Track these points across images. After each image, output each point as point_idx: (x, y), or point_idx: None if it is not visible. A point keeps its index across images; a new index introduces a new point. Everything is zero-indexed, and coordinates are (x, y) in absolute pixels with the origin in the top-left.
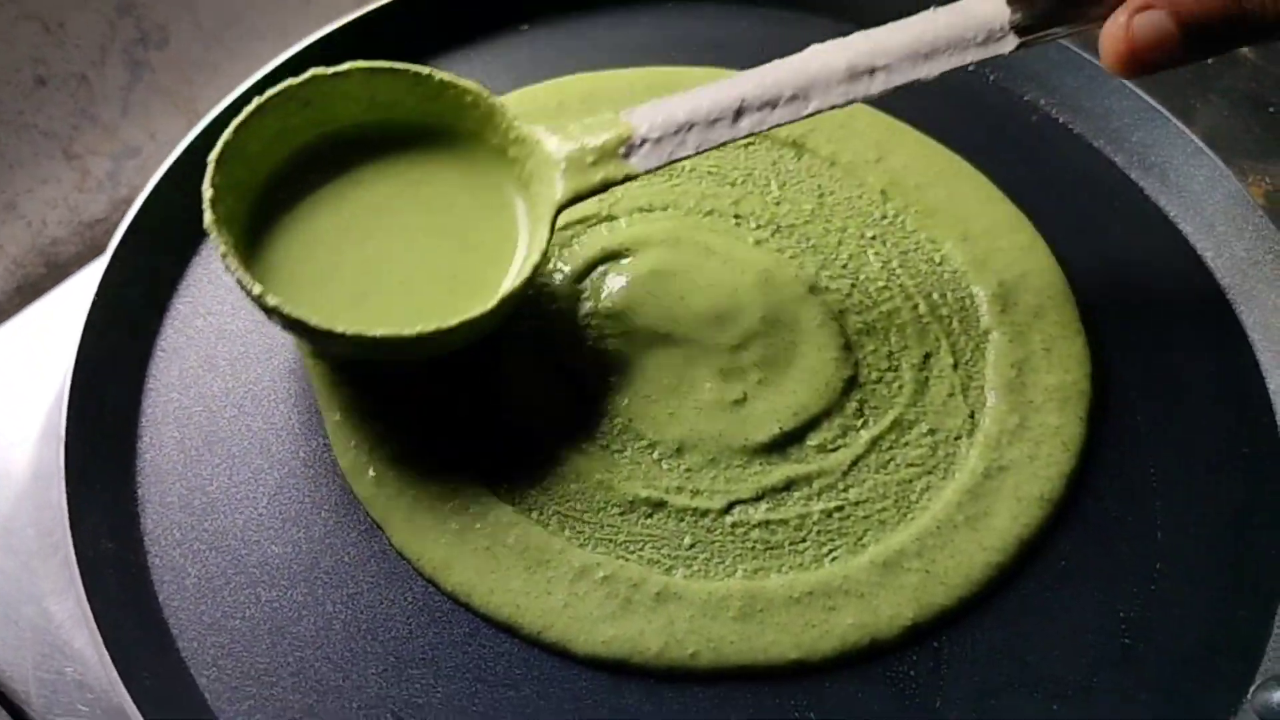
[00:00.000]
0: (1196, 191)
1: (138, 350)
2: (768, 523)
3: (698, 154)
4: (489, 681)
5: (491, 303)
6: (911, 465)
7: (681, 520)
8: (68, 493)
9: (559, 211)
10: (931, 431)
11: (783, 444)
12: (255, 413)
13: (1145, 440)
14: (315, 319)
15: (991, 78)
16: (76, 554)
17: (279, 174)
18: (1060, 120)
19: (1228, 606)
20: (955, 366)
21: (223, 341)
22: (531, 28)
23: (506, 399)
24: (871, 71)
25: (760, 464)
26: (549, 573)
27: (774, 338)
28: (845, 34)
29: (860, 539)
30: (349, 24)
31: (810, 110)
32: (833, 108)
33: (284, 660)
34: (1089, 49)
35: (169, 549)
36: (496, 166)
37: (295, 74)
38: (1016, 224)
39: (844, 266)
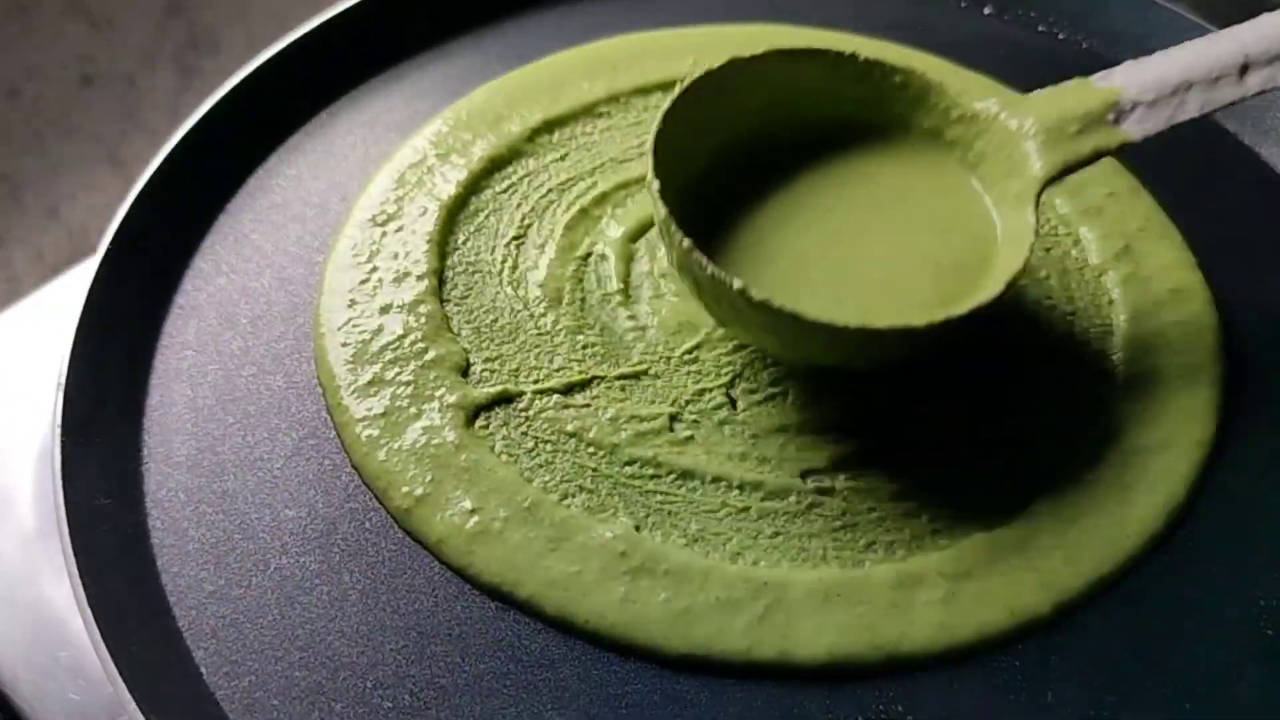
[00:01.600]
0: None
1: (152, 304)
2: (855, 502)
3: (1200, 116)
4: (523, 661)
5: (999, 286)
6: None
7: (760, 501)
8: (62, 441)
9: (1045, 187)
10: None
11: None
12: (275, 371)
13: (1278, 414)
14: (823, 315)
15: None
16: (67, 507)
17: (704, 172)
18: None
19: None
20: (1074, 343)
21: (245, 299)
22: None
23: None
24: None
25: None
26: (598, 562)
27: None
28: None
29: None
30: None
31: None
32: None
33: (292, 634)
34: None
35: (172, 510)
36: (932, 150)
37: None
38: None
39: None
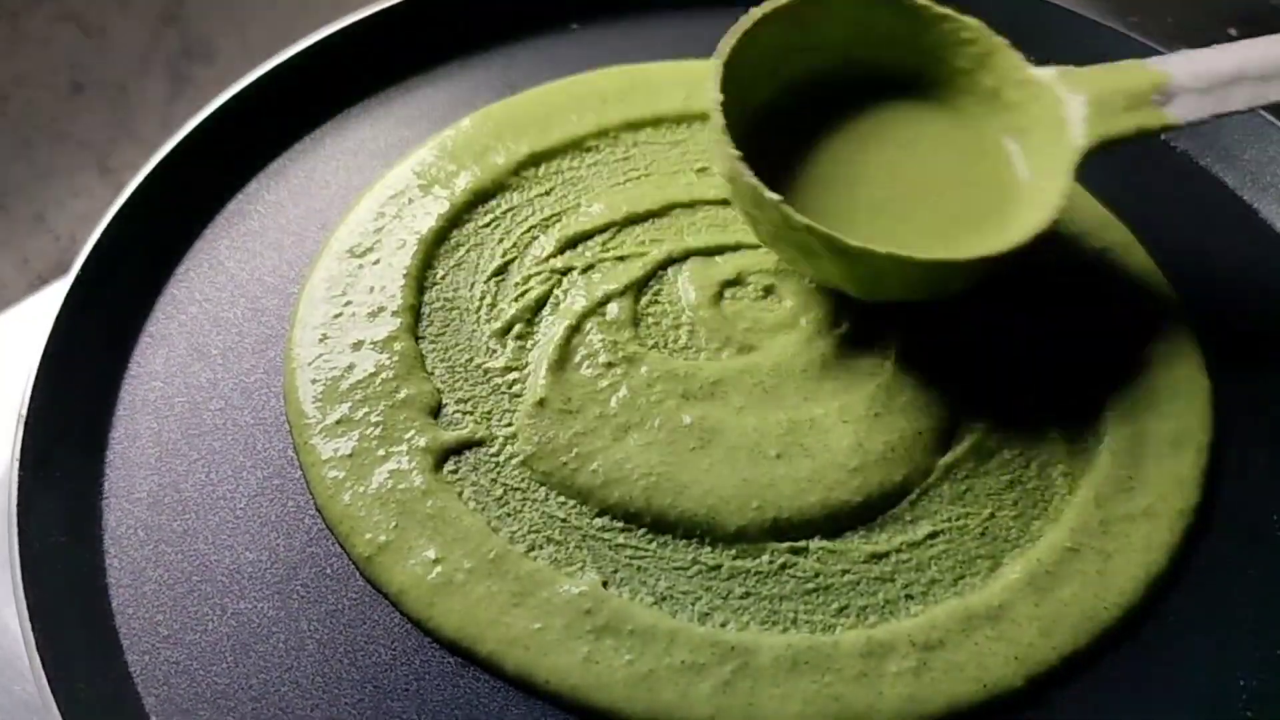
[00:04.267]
0: None
1: (122, 332)
2: (829, 563)
3: (1247, 110)
4: None
5: (1016, 240)
6: (1009, 503)
7: (732, 560)
8: (20, 475)
9: (1086, 158)
10: (1028, 462)
11: None
12: (244, 406)
13: (1267, 482)
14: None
15: None
16: (20, 544)
17: (770, 107)
18: (1162, 138)
19: None
20: (1061, 403)
21: (217, 330)
22: (581, 27)
23: None
24: None
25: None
26: (561, 619)
27: None
28: None
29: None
30: (376, 15)
31: None
32: None
33: (245, 682)
34: None
35: (130, 549)
36: (990, 110)
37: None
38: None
39: None
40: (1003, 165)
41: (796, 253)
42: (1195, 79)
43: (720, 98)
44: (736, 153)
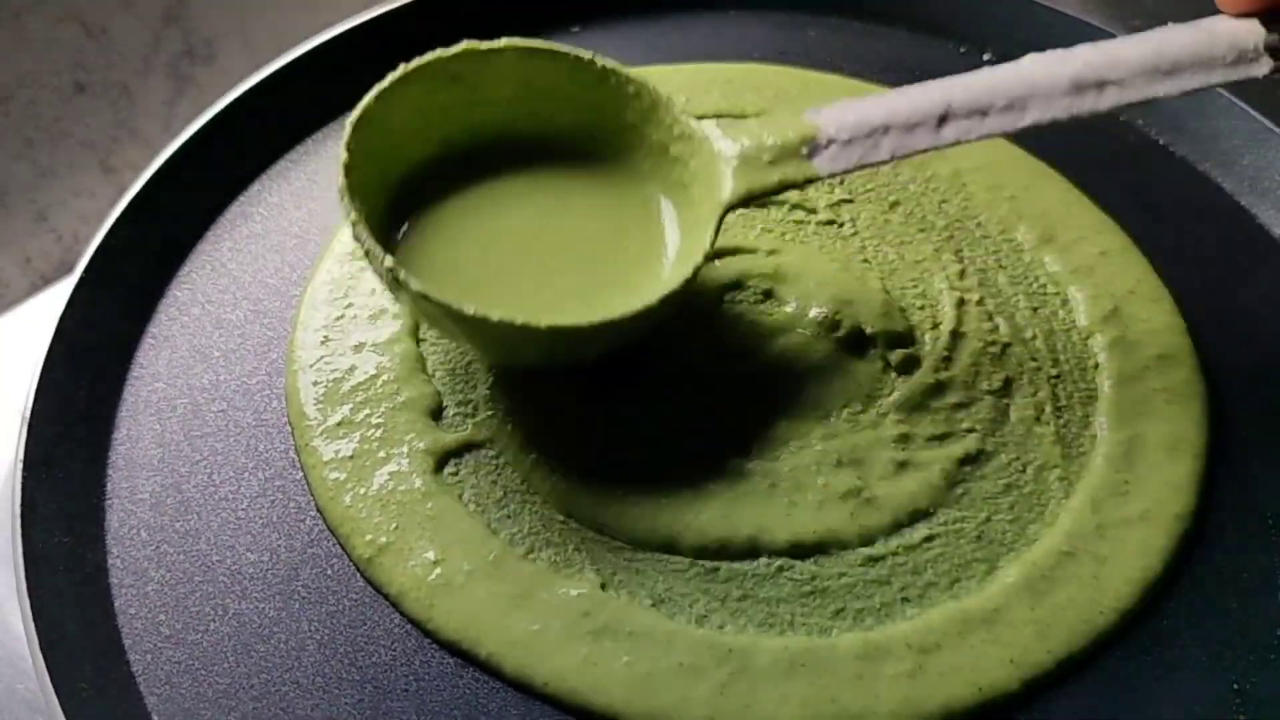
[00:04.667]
0: None
1: (124, 334)
2: (825, 566)
3: (892, 161)
4: None
5: (652, 300)
6: (1005, 507)
7: (730, 562)
8: (23, 476)
9: (727, 212)
10: (1025, 467)
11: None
12: (246, 408)
13: (1262, 487)
14: (443, 297)
15: None
16: (24, 544)
17: (426, 165)
18: (1161, 142)
19: None
20: (1057, 407)
21: (219, 332)
22: (582, 30)
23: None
24: (1100, 85)
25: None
26: (560, 621)
27: None
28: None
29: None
30: (380, 18)
31: (1027, 123)
32: (1053, 121)
33: (247, 682)
34: None
35: (132, 549)
36: (657, 164)
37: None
38: (1126, 252)
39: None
40: (656, 224)
41: (423, 317)
42: (843, 130)
43: (345, 156)
44: (356, 215)
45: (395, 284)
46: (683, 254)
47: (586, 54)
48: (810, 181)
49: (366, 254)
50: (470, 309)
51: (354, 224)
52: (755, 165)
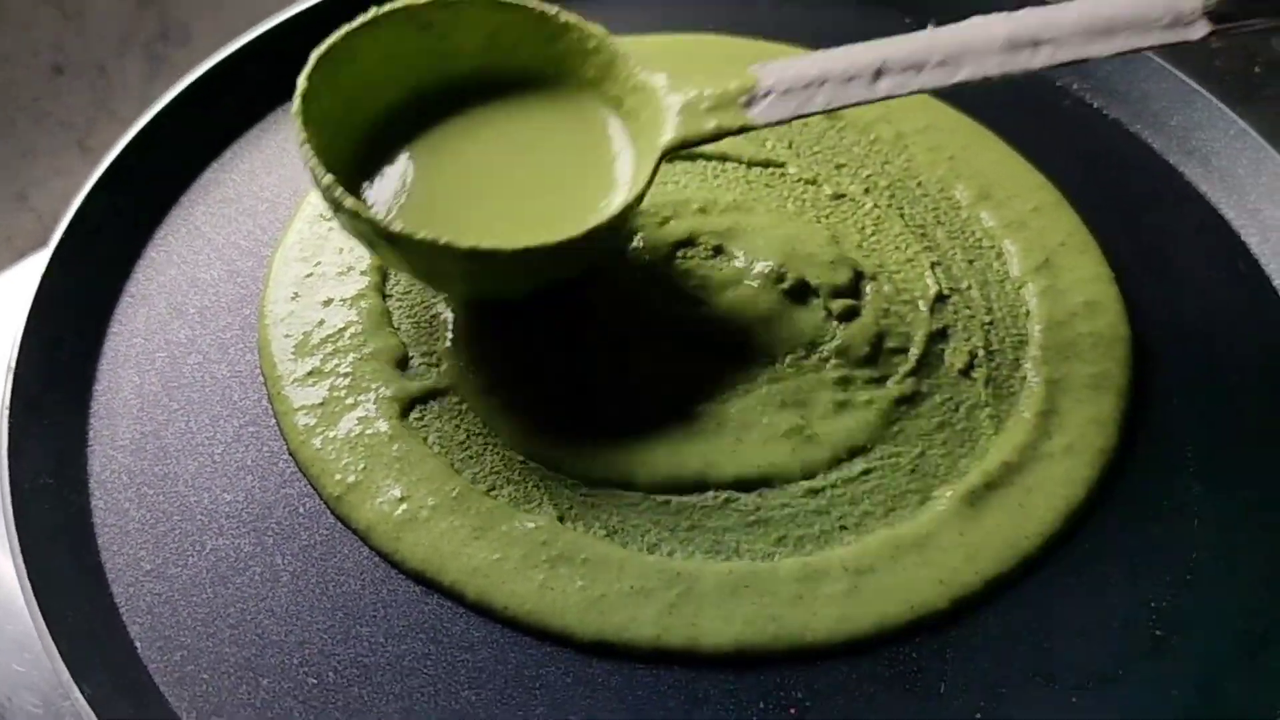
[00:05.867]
0: (1241, 176)
1: (104, 292)
2: (769, 498)
3: (826, 111)
4: (443, 644)
5: (574, 232)
6: (939, 443)
7: (679, 495)
8: (10, 421)
9: (664, 156)
10: (958, 406)
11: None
12: (220, 360)
13: (1183, 423)
14: (372, 216)
15: None
16: (11, 485)
17: (399, 111)
18: (1095, 105)
19: (1270, 599)
20: (990, 351)
21: (194, 290)
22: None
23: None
24: (1035, 44)
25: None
26: (519, 550)
27: None
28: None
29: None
30: None
31: (960, 78)
32: (985, 79)
33: (223, 611)
34: None
35: (114, 491)
36: (612, 116)
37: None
38: (1056, 204)
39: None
40: (609, 169)
41: (360, 239)
42: (780, 82)
43: (304, 85)
44: (304, 136)
45: (334, 204)
46: (630, 190)
47: (551, 8)
48: (746, 129)
49: (312, 175)
50: (397, 226)
51: (301, 144)
52: (694, 113)
